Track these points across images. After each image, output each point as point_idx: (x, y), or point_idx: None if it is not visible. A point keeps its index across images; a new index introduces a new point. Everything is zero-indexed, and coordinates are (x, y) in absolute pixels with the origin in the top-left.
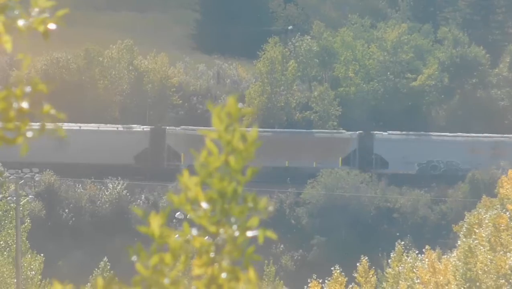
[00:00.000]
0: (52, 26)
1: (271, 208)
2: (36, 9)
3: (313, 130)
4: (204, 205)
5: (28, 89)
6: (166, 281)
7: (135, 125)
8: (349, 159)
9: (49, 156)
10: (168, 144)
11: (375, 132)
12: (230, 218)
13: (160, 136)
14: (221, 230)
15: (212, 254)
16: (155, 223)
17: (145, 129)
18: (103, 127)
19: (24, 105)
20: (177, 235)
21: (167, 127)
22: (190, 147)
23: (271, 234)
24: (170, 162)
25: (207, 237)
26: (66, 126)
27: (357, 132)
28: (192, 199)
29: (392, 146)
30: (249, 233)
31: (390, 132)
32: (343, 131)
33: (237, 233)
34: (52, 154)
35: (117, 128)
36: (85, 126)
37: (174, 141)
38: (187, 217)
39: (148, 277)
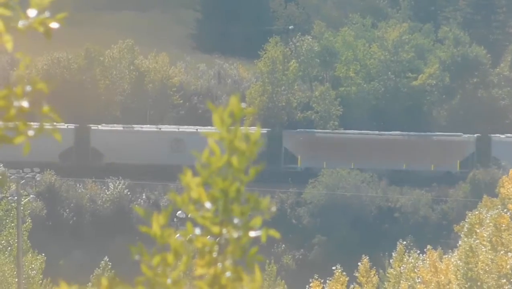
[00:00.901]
0: (54, 25)
1: (273, 208)
2: (35, 10)
3: (430, 133)
4: (207, 205)
5: (28, 88)
6: (168, 281)
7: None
8: (467, 162)
9: (165, 159)
10: (285, 147)
11: (493, 135)
12: (233, 218)
13: (277, 139)
14: (224, 230)
15: (214, 254)
16: (157, 223)
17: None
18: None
19: (24, 104)
20: (178, 235)
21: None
22: (308, 150)
23: (274, 232)
24: (287, 165)
25: (209, 237)
26: (182, 128)
27: (475, 135)
28: (195, 199)
29: (510, 148)
30: (252, 233)
31: (508, 135)
32: (460, 134)
33: (240, 233)
34: (168, 157)
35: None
36: (201, 129)
37: (291, 144)
38: (188, 216)
39: (151, 277)
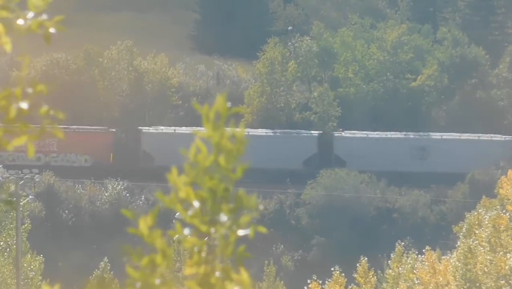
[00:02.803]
0: (52, 30)
1: (261, 206)
2: (32, 12)
3: None
4: (195, 204)
5: (28, 90)
6: (157, 281)
7: (495, 135)
8: None
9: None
10: None
11: None
12: (221, 217)
13: None
14: (213, 229)
15: (204, 254)
16: (144, 224)
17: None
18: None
19: (24, 105)
20: (177, 235)
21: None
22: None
23: (262, 228)
24: None
25: (198, 236)
26: (424, 135)
27: None
28: (182, 198)
29: None
30: (241, 232)
31: None
32: None
33: (228, 232)
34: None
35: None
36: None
37: None
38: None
39: (139, 279)
